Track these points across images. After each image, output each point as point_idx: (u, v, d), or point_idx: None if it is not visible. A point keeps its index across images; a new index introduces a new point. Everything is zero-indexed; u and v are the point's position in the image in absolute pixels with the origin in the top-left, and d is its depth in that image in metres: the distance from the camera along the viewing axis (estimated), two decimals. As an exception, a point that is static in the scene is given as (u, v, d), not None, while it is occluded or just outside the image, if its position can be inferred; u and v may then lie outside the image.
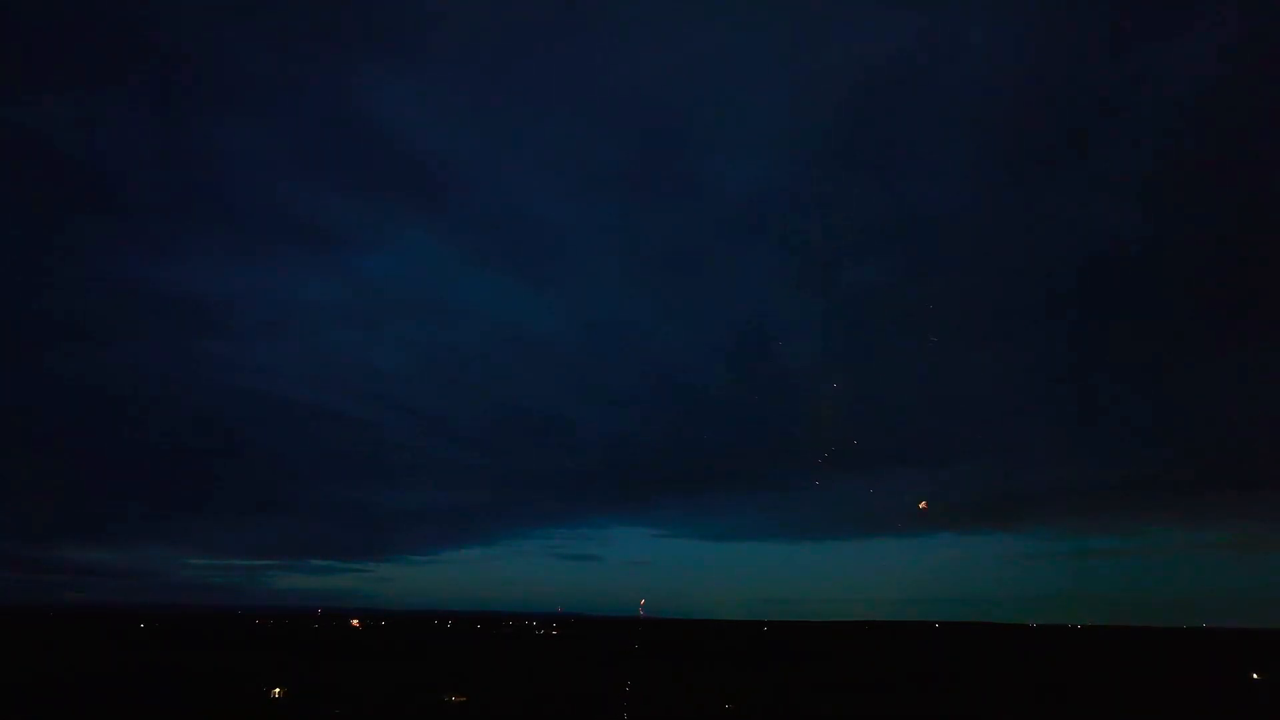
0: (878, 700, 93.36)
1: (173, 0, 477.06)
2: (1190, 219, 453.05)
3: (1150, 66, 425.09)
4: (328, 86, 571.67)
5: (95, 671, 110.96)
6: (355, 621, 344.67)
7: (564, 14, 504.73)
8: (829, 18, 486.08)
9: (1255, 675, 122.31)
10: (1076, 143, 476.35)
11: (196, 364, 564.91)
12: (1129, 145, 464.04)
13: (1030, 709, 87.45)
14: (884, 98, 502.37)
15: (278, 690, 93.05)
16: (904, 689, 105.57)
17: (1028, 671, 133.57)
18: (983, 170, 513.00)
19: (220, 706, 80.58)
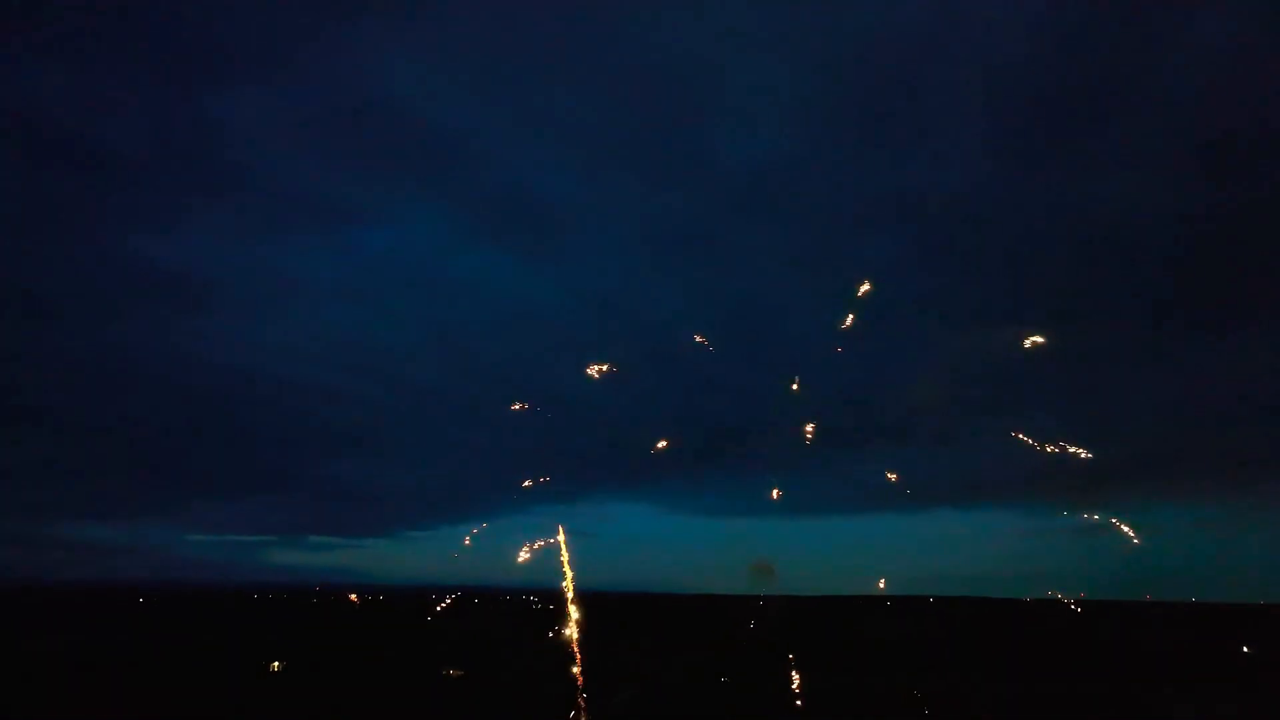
0: (876, 675, 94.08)
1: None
2: (1198, 196, 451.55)
3: (1167, 39, 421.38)
4: (332, 60, 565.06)
5: (95, 646, 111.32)
6: (353, 596, 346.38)
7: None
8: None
9: (1245, 649, 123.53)
10: (1090, 118, 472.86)
11: (196, 340, 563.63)
12: (1142, 121, 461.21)
13: (1027, 682, 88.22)
14: (893, 71, 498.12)
15: (276, 664, 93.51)
16: (905, 663, 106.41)
17: (1026, 645, 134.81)
18: (993, 146, 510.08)
19: (220, 679, 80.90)
